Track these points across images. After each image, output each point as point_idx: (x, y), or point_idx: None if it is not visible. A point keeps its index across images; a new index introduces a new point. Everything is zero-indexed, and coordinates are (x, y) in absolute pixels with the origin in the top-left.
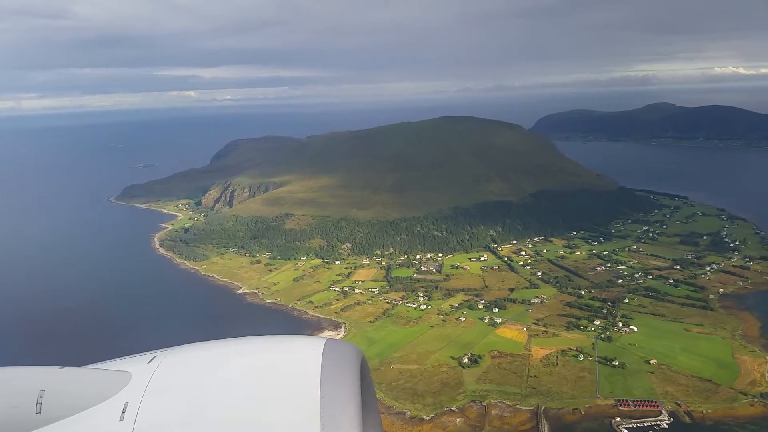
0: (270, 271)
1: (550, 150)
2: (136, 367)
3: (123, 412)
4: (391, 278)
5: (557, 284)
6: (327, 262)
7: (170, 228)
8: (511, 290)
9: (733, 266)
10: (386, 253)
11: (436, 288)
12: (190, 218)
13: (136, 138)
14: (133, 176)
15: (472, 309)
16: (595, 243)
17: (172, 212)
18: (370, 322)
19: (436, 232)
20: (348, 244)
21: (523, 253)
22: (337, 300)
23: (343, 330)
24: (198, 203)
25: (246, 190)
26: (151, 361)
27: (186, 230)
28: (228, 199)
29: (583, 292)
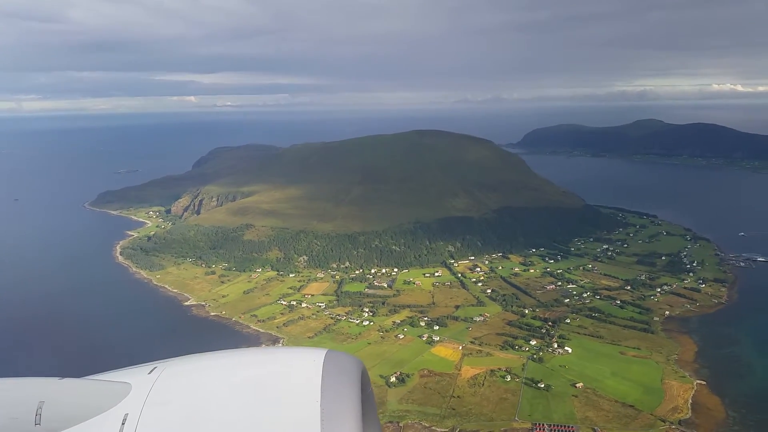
0: (222, 282)
1: (519, 166)
2: (136, 378)
3: (123, 424)
4: (341, 293)
5: (504, 302)
6: (281, 275)
7: (135, 236)
8: (457, 307)
9: (685, 288)
10: (342, 266)
11: (383, 303)
12: (157, 226)
13: (129, 142)
14: (114, 181)
15: (413, 326)
16: (552, 261)
17: (142, 219)
18: (310, 337)
19: (394, 247)
20: (305, 256)
21: (479, 269)
22: (282, 314)
23: (280, 345)
24: (168, 211)
25: (214, 199)
26: (151, 372)
27: (149, 238)
28: (196, 208)
29: (527, 311)
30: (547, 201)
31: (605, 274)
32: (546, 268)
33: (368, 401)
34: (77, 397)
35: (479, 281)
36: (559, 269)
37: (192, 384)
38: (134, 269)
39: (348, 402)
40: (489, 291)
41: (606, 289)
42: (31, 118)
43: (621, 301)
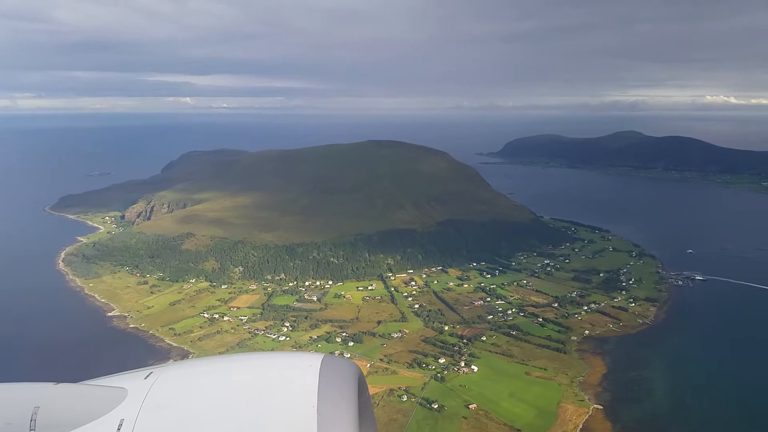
0: (152, 293)
1: (473, 179)
2: (132, 383)
3: (119, 429)
4: (268, 306)
5: (427, 318)
6: (214, 286)
7: (84, 242)
8: (379, 323)
9: (613, 307)
10: (276, 278)
11: (306, 318)
12: (108, 232)
13: (116, 143)
14: (84, 184)
15: (329, 342)
16: (489, 276)
17: (96, 225)
18: (220, 353)
19: (332, 259)
20: (240, 267)
21: (414, 283)
22: (201, 327)
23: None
24: (123, 217)
25: (165, 205)
26: (147, 377)
27: (94, 245)
28: (148, 214)
29: (446, 328)
30: (495, 214)
31: (537, 291)
32: (480, 283)
33: (365, 406)
34: (73, 403)
35: (411, 296)
36: (493, 284)
37: (188, 389)
38: (71, 276)
39: (345, 407)
40: (417, 306)
41: (533, 305)
42: (27, 117)
43: (543, 318)
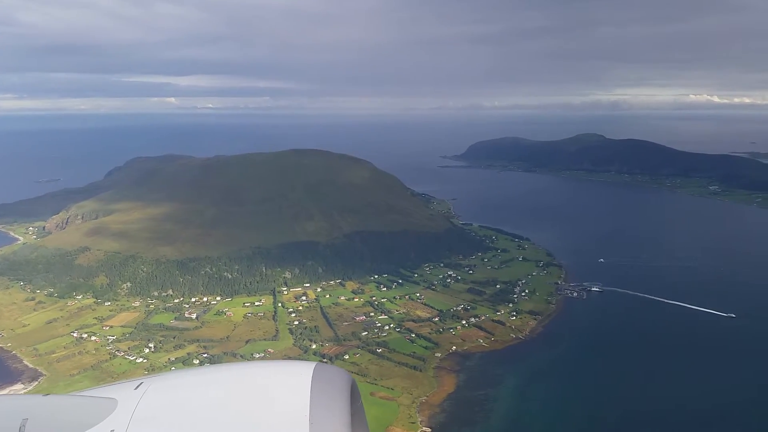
0: (36, 310)
1: (394, 188)
2: (122, 393)
3: None
4: (142, 325)
5: (300, 335)
6: (98, 303)
7: None
8: (248, 342)
9: (493, 320)
10: (163, 294)
11: (174, 338)
12: (25, 243)
13: (81, 146)
14: (28, 191)
15: (185, 364)
16: (385, 289)
17: (18, 236)
18: (72, 375)
19: (226, 273)
20: (129, 283)
21: (305, 298)
22: (65, 347)
23: (36, 383)
24: (44, 228)
25: (79, 216)
26: (137, 387)
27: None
28: (63, 226)
29: (314, 346)
30: (408, 224)
31: (426, 304)
32: (372, 297)
33: (358, 415)
34: (62, 414)
35: (296, 311)
36: (384, 298)
37: (179, 399)
38: None
39: (337, 416)
40: (296, 323)
41: (414, 320)
42: (10, 118)
43: (416, 334)
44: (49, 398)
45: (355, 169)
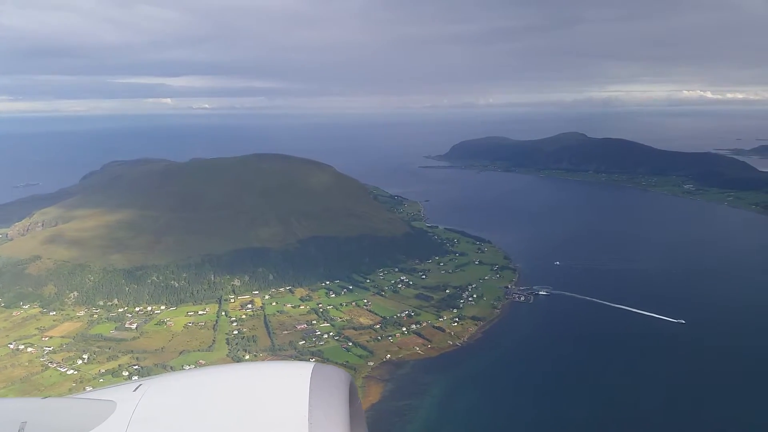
0: None
1: (355, 193)
2: (121, 395)
3: None
4: (81, 335)
5: (235, 345)
6: (44, 313)
7: None
8: (181, 353)
9: (434, 326)
10: (108, 304)
11: (110, 348)
12: None
13: (68, 148)
14: (5, 196)
15: (115, 375)
16: (335, 295)
17: None
18: (4, 388)
19: (173, 282)
20: (75, 293)
21: (250, 306)
22: None
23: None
24: (6, 235)
25: (40, 224)
26: (136, 389)
27: None
28: (24, 233)
29: (247, 357)
30: (365, 229)
31: (371, 311)
32: (319, 304)
33: (357, 415)
34: (61, 417)
35: (239, 320)
36: (331, 305)
37: (178, 401)
38: None
39: (336, 416)
40: (236, 332)
41: (355, 328)
42: (4, 120)
43: (354, 342)
44: (48, 401)
45: (317, 173)
